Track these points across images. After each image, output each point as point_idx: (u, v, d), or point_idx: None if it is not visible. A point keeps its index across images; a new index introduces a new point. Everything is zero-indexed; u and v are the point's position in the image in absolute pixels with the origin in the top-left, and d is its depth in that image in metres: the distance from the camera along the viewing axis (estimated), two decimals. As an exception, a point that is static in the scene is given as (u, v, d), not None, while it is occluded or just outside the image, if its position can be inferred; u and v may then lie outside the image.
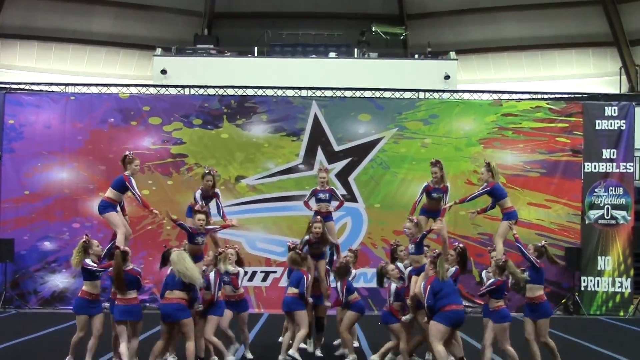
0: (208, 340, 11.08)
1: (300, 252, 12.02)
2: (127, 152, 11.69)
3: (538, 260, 10.77)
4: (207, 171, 12.41)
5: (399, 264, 11.38)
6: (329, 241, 12.65)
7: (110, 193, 11.44)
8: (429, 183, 12.31)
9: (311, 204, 13.24)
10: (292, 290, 11.69)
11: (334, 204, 13.27)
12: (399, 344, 11.00)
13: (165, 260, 10.89)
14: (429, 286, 9.96)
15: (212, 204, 12.50)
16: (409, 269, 11.04)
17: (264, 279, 18.74)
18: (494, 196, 11.88)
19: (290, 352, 11.34)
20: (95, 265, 10.57)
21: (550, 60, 29.96)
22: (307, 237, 12.39)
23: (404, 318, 10.92)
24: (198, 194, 12.32)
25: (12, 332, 14.29)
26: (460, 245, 10.88)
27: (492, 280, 10.41)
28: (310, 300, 12.08)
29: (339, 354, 12.30)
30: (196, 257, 10.95)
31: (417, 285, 10.55)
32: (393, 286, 10.96)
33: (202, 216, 11.10)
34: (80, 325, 10.69)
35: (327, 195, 13.09)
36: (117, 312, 10.37)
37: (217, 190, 12.54)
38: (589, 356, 12.79)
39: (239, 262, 11.89)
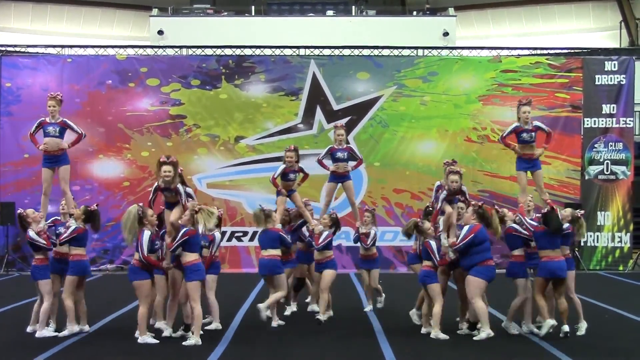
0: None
1: (262, 208, 11.48)
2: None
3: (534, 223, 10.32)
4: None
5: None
6: (301, 170, 12.25)
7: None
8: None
9: (326, 163, 12.55)
10: (270, 252, 11.04)
11: (352, 163, 12.55)
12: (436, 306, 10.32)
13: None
14: (473, 234, 10.06)
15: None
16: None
17: (265, 239, 18.76)
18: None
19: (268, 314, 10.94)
20: (37, 238, 10.86)
21: (550, 15, 29.74)
22: (283, 166, 12.11)
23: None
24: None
25: (15, 294, 14.36)
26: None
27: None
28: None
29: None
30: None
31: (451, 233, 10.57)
32: (433, 243, 10.38)
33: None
34: (46, 289, 10.44)
35: (346, 154, 12.39)
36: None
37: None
38: (590, 310, 12.86)
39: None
